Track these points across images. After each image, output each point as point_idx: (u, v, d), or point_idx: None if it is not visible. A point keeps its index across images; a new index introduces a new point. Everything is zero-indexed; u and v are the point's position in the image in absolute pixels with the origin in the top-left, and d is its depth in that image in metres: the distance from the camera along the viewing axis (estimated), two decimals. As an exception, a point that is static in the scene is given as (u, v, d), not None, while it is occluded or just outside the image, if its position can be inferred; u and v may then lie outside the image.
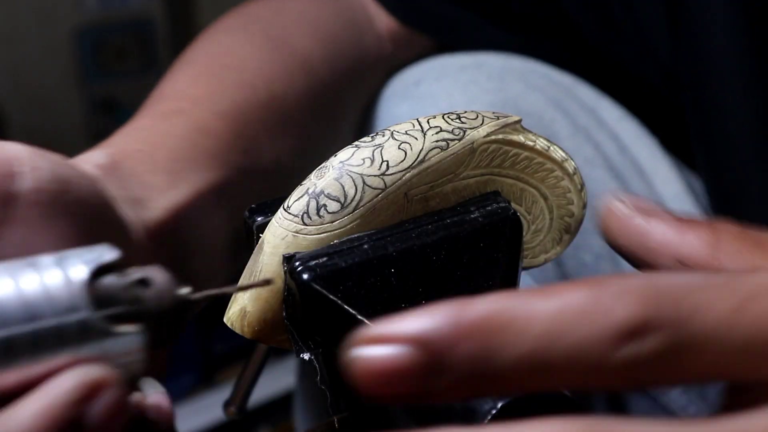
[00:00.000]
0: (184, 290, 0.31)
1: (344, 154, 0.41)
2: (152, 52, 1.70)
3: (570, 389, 0.29)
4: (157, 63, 1.70)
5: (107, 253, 0.30)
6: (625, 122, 0.75)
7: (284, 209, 0.41)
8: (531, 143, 0.44)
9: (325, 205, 0.40)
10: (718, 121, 0.65)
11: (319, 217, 0.40)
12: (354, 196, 0.40)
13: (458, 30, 0.77)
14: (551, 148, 0.44)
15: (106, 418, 0.28)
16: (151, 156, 0.49)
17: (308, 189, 0.41)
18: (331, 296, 0.39)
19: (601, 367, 0.27)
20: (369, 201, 0.41)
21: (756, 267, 0.35)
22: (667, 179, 0.73)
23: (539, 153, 0.44)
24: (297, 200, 0.41)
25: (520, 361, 0.26)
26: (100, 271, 0.29)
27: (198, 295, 0.32)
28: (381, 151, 0.41)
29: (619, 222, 0.37)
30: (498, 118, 0.44)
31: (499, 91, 0.70)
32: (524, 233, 0.45)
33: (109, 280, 0.29)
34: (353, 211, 0.40)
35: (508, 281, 0.42)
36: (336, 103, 0.68)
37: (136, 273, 0.30)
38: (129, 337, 0.29)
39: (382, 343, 0.27)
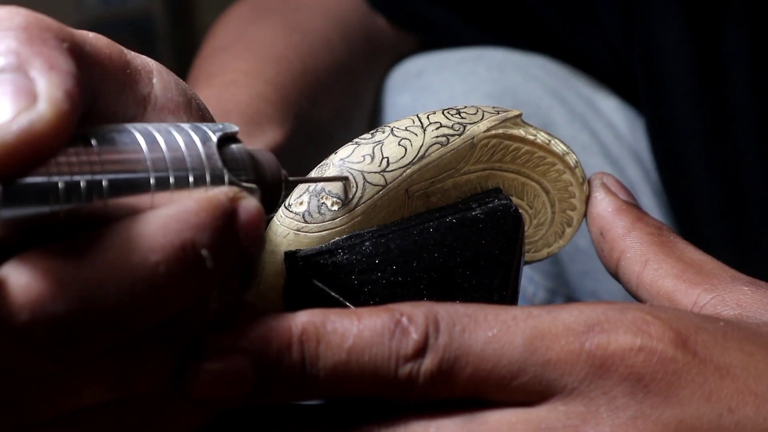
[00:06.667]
0: (284, 172, 0.37)
1: (344, 151, 0.41)
2: (152, 50, 1.70)
3: (372, 397, 0.35)
4: (157, 60, 1.69)
5: (230, 127, 0.36)
6: (621, 112, 0.76)
7: (285, 207, 0.41)
8: (532, 137, 0.44)
9: (325, 203, 0.40)
10: (666, 107, 0.70)
11: (321, 214, 0.40)
12: (355, 194, 0.40)
13: (439, 29, 0.79)
14: (552, 141, 0.44)
15: (253, 216, 0.33)
16: (226, 120, 0.54)
17: (309, 187, 0.41)
18: (333, 293, 0.39)
19: (390, 381, 0.34)
20: (370, 198, 0.40)
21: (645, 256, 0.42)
22: None
23: (540, 147, 0.44)
24: (298, 198, 0.41)
25: (333, 370, 0.33)
26: (225, 140, 0.35)
27: (293, 178, 0.39)
28: (381, 147, 0.41)
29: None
30: (498, 113, 0.43)
31: (497, 81, 0.72)
32: (526, 228, 0.45)
33: (232, 148, 0.36)
34: (354, 209, 0.40)
35: (510, 277, 0.42)
36: (356, 78, 0.72)
37: (250, 147, 0.37)
38: (252, 193, 0.35)
39: (220, 354, 0.33)
